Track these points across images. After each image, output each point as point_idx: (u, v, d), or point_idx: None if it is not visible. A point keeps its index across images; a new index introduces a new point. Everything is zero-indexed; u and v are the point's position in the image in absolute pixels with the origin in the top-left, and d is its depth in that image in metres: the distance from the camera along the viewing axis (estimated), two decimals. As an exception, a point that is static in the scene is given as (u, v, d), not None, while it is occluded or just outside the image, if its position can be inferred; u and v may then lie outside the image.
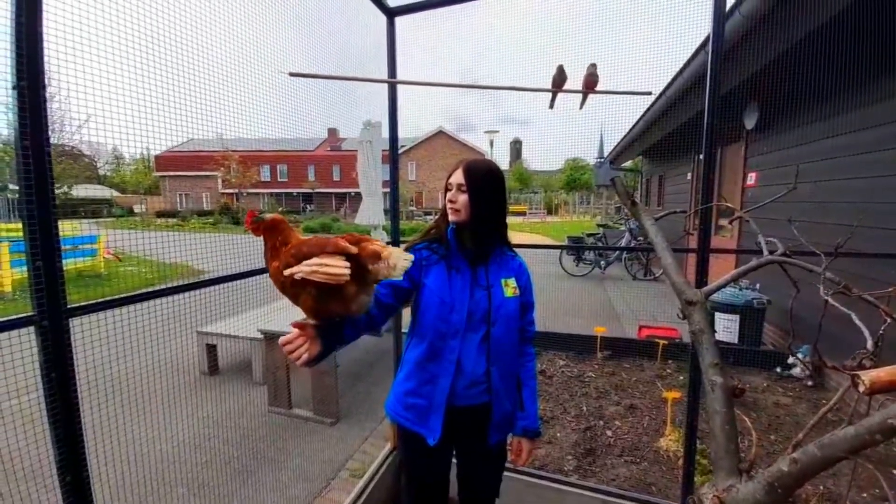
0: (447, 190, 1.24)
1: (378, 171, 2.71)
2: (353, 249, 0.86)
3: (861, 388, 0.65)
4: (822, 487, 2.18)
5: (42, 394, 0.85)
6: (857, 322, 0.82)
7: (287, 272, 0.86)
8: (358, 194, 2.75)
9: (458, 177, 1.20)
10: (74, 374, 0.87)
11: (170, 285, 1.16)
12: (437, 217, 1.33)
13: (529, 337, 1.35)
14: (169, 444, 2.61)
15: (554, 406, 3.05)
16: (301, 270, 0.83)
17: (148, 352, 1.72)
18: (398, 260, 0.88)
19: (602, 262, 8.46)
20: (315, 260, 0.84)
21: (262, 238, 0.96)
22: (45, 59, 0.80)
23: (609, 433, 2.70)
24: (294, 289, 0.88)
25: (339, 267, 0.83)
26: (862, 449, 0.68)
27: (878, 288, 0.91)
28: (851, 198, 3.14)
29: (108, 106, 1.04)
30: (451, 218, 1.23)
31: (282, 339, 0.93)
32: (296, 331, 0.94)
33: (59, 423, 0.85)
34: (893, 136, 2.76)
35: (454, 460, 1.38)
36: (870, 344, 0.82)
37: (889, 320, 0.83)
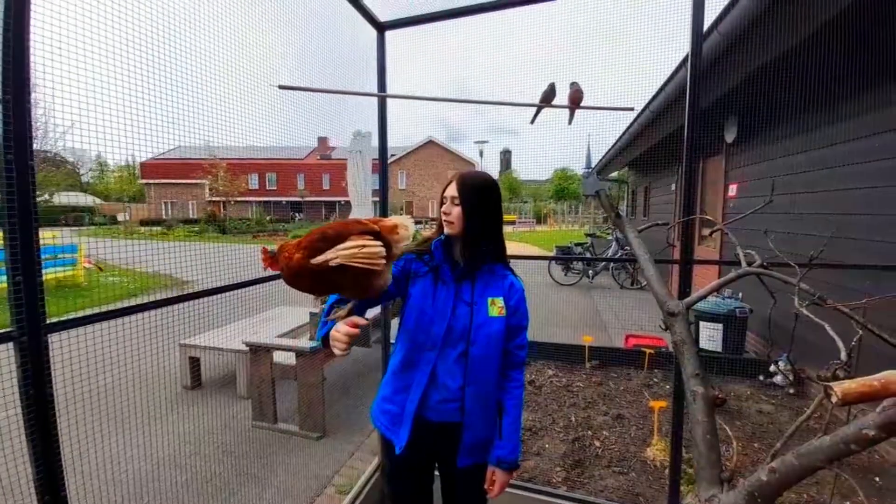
0: (443, 202, 1.24)
1: (368, 181, 2.73)
2: (376, 227, 0.92)
3: (833, 400, 0.67)
4: (805, 496, 2.21)
5: (18, 411, 0.83)
6: (832, 333, 0.85)
7: (320, 259, 0.84)
8: (347, 203, 2.76)
9: (452, 189, 1.21)
10: (53, 392, 0.85)
11: (152, 299, 1.14)
12: (434, 229, 1.32)
13: (518, 362, 1.26)
14: (149, 462, 2.53)
15: (543, 416, 3.05)
16: (339, 255, 0.86)
17: (128, 365, 1.68)
18: (408, 223, 1.01)
19: (590, 272, 8.58)
20: (350, 243, 0.87)
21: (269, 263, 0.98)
22: (31, 69, 0.79)
23: (597, 443, 2.71)
24: (334, 276, 0.88)
25: (375, 245, 0.89)
26: (838, 458, 0.70)
27: (855, 298, 0.94)
28: (827, 209, 3.24)
29: (93, 112, 1.03)
30: (445, 230, 1.24)
31: (346, 333, 0.97)
32: (350, 328, 0.99)
33: (37, 441, 0.82)
34: (864, 150, 2.87)
35: (437, 473, 1.37)
36: (843, 355, 0.85)
37: (862, 331, 0.86)
